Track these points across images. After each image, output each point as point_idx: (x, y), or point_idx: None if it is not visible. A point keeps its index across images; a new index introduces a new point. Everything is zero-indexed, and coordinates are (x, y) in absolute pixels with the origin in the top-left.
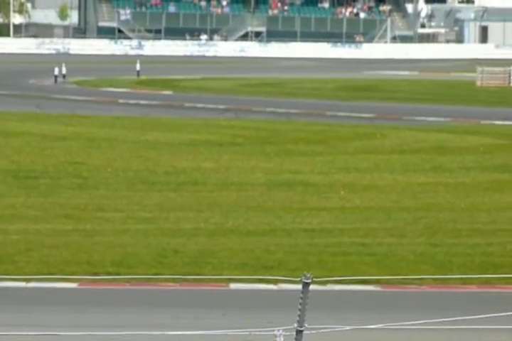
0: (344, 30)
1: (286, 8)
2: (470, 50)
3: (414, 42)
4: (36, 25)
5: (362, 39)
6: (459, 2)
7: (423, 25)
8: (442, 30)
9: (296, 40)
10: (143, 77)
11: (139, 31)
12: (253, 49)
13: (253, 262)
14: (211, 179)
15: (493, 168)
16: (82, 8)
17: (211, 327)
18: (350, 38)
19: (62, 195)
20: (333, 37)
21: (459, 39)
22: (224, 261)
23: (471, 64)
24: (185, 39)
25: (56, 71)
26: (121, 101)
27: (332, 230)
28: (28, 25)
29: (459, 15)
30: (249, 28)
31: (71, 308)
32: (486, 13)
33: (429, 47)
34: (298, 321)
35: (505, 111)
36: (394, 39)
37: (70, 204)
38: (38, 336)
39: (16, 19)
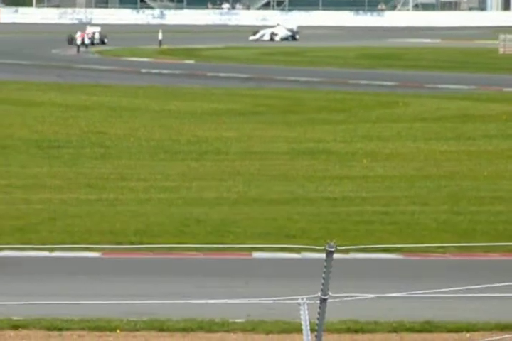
0: None
1: None
2: (493, 17)
3: (437, 9)
4: None
5: (384, 7)
6: None
7: None
8: None
9: (318, 9)
10: (165, 47)
11: (161, 0)
12: (275, 17)
13: (276, 231)
14: (234, 148)
15: None
16: None
17: (235, 296)
18: (372, 6)
19: (85, 165)
20: (355, 5)
21: (482, 6)
22: (247, 230)
23: (494, 31)
24: (207, 8)
25: (79, 41)
26: (143, 70)
27: (354, 199)
28: None
29: None
30: None
31: (94, 277)
32: None
33: (452, 15)
34: (322, 289)
35: None
36: (416, 7)
37: (93, 174)
38: (61, 305)
39: None
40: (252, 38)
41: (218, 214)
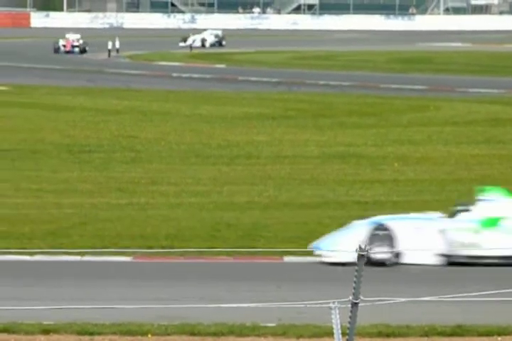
0: (397, 2)
1: None
2: None
3: (468, 13)
4: None
5: (415, 11)
6: None
7: None
8: (495, 2)
9: (349, 13)
10: (196, 51)
11: (192, 5)
12: (306, 22)
13: (307, 235)
14: (264, 152)
15: None
16: None
17: (266, 300)
18: (403, 10)
19: (116, 169)
20: (386, 9)
21: None
22: (277, 234)
23: None
24: (237, 12)
25: (110, 45)
26: (174, 74)
27: (385, 202)
28: (81, 0)
29: None
30: (302, 1)
31: (125, 282)
32: None
33: (483, 19)
34: (353, 293)
35: None
36: (447, 11)
37: (123, 178)
38: (92, 309)
39: None
40: (182, 44)
41: (249, 218)
